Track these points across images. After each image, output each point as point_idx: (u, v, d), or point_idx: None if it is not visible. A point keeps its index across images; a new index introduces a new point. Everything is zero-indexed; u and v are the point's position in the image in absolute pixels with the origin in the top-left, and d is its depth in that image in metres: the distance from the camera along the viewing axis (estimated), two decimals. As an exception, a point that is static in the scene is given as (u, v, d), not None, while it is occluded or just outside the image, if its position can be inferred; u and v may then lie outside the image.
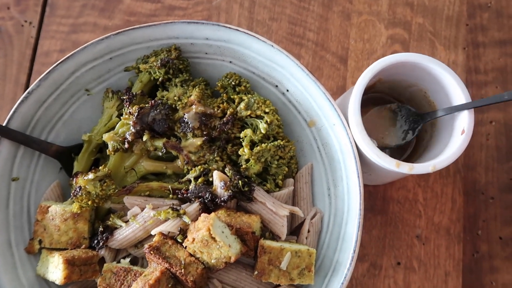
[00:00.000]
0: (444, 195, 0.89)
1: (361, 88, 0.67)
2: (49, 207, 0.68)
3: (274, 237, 0.70)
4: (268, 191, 0.72)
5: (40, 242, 0.68)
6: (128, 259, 0.68)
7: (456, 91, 0.69)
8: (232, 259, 0.62)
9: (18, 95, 0.90)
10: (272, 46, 0.72)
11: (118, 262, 0.68)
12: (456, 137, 0.68)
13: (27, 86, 0.91)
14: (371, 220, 0.88)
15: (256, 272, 0.65)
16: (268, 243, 0.66)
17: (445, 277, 0.86)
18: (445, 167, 0.66)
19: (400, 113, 0.78)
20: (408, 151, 0.84)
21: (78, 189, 0.66)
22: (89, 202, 0.65)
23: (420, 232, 0.88)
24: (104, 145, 0.77)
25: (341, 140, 0.71)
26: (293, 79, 0.74)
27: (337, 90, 0.93)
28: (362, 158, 0.70)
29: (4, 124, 0.67)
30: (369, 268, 0.86)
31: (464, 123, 0.67)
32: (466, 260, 0.86)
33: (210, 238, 0.61)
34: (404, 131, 0.77)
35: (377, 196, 0.89)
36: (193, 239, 0.62)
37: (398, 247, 0.87)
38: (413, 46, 0.95)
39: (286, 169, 0.73)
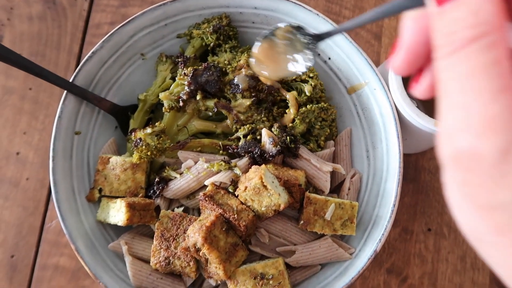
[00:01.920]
0: (474, 166, 0.93)
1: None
2: (110, 158, 0.73)
3: (318, 192, 0.75)
4: (311, 151, 0.76)
5: (100, 190, 0.74)
6: (180, 209, 0.73)
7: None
8: (282, 207, 0.66)
9: (71, 64, 0.96)
10: (318, 15, 0.76)
11: (172, 211, 0.73)
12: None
13: (79, 56, 0.97)
14: (403, 188, 0.92)
15: (302, 222, 0.70)
16: (313, 195, 0.70)
17: (474, 244, 0.89)
18: None
19: (294, 37, 0.57)
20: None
21: (138, 141, 0.71)
22: (148, 153, 0.71)
23: (450, 201, 0.91)
24: (156, 107, 0.82)
25: (382, 103, 0.75)
26: (336, 47, 0.78)
27: (372, 65, 0.97)
28: (400, 122, 0.74)
29: (70, 81, 0.73)
30: (401, 233, 0.90)
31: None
32: (495, 228, 0.89)
33: (262, 186, 0.66)
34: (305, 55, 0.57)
35: (410, 165, 0.93)
36: (245, 188, 0.67)
37: (429, 214, 0.91)
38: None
39: (328, 130, 0.78)
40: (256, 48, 0.54)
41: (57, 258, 0.87)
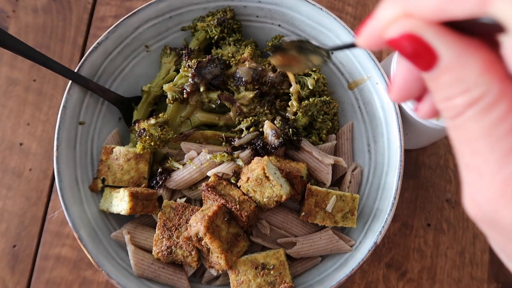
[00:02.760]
0: (474, 163, 0.94)
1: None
2: (113, 148, 0.74)
3: (319, 184, 0.75)
4: (313, 144, 0.77)
5: (103, 180, 0.74)
6: (183, 200, 0.73)
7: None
8: (283, 198, 0.67)
9: (76, 56, 0.97)
10: (321, 9, 0.77)
11: (175, 201, 0.74)
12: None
13: (83, 48, 0.97)
14: (404, 183, 0.93)
15: (303, 213, 0.70)
16: (315, 187, 0.71)
17: (473, 240, 0.90)
18: None
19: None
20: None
21: (142, 131, 0.72)
22: (152, 143, 0.71)
23: (450, 196, 0.92)
24: (159, 99, 0.83)
25: (383, 97, 0.76)
26: (339, 41, 0.79)
27: (373, 61, 0.98)
28: (401, 116, 0.75)
29: (75, 71, 0.74)
30: (401, 228, 0.91)
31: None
32: (494, 224, 0.90)
33: (264, 177, 0.66)
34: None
35: (410, 161, 0.94)
36: (248, 179, 0.67)
37: (428, 210, 0.92)
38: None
39: (330, 124, 0.78)
40: (272, 59, 0.56)
41: (59, 248, 0.88)
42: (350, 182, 0.76)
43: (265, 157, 0.69)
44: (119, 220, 0.75)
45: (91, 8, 0.99)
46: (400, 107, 0.74)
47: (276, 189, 0.67)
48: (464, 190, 0.30)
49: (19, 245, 0.88)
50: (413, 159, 0.94)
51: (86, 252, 0.68)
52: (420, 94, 0.35)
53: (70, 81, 0.73)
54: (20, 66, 0.96)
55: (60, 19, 0.98)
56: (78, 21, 0.99)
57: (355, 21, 1.00)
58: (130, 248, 0.70)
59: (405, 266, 0.89)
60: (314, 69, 0.77)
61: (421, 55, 0.28)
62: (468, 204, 0.29)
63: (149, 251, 0.71)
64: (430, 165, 0.94)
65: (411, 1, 0.28)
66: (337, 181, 0.79)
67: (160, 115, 0.74)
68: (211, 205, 0.68)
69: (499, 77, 0.27)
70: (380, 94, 0.76)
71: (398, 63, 0.33)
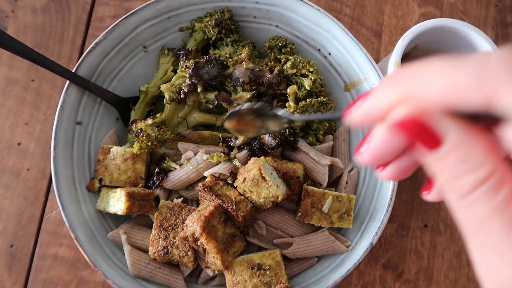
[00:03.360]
0: (471, 164, 0.94)
1: (402, 48, 0.72)
2: (110, 148, 0.74)
3: (315, 184, 0.75)
4: (310, 144, 0.77)
5: (101, 180, 0.74)
6: (180, 200, 0.74)
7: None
8: (280, 199, 0.67)
9: (74, 56, 0.97)
10: (319, 10, 0.77)
11: (172, 201, 0.74)
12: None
13: (82, 48, 0.98)
14: (401, 184, 0.93)
15: (299, 214, 0.70)
16: (311, 187, 0.71)
17: (470, 241, 0.90)
18: None
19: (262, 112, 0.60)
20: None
21: (139, 131, 0.72)
22: (149, 144, 0.71)
23: (447, 198, 0.92)
24: (157, 99, 0.83)
25: (380, 98, 0.76)
26: (336, 42, 0.79)
27: (371, 62, 0.98)
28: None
29: (73, 71, 0.74)
30: (398, 228, 0.91)
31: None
32: (491, 226, 0.90)
33: (260, 177, 0.66)
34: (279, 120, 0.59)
35: (407, 162, 0.94)
36: (244, 179, 0.67)
37: (425, 211, 0.92)
38: (445, 23, 1.00)
39: (327, 125, 0.78)
40: (226, 123, 0.57)
41: (56, 248, 0.88)
42: (346, 183, 0.76)
43: (262, 157, 0.69)
44: (116, 220, 0.75)
45: (89, 9, 1.00)
46: (397, 108, 0.74)
47: (272, 189, 0.67)
48: (480, 270, 0.29)
49: (16, 245, 0.88)
50: (410, 160, 0.94)
51: (82, 252, 0.68)
52: (388, 162, 0.35)
53: (68, 81, 0.74)
54: (18, 66, 0.96)
55: (59, 19, 0.99)
56: (76, 21, 0.99)
57: (353, 22, 1.00)
58: (126, 248, 0.70)
59: (402, 267, 0.89)
60: (311, 69, 0.78)
61: (426, 137, 0.29)
62: (489, 284, 0.29)
63: (146, 251, 0.71)
64: (427, 166, 0.94)
65: (416, 88, 0.28)
66: (334, 182, 0.79)
67: (157, 115, 0.74)
68: (207, 205, 0.68)
69: (500, 157, 0.28)
70: (377, 95, 0.76)
71: (376, 137, 0.32)
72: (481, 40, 0.74)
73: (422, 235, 0.91)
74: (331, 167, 0.78)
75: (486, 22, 1.01)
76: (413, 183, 0.93)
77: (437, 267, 0.89)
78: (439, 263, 0.89)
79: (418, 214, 0.92)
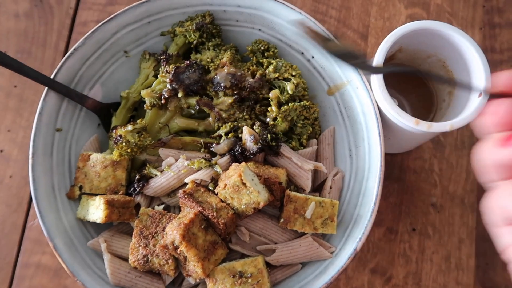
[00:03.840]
0: (459, 166, 0.93)
1: (385, 50, 0.71)
2: (90, 155, 0.73)
3: (299, 190, 0.74)
4: (293, 149, 0.76)
5: (81, 188, 0.73)
6: (161, 207, 0.72)
7: (474, 58, 0.73)
8: (261, 205, 0.66)
9: (57, 61, 0.96)
10: (301, 13, 0.76)
11: (153, 209, 0.73)
12: (473, 100, 0.72)
13: (65, 53, 0.97)
14: (388, 188, 0.92)
15: (282, 220, 0.69)
16: (294, 193, 0.70)
17: (459, 244, 0.89)
18: (461, 140, 0.69)
19: None
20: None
21: (118, 138, 0.71)
22: (128, 150, 0.70)
23: (435, 201, 0.91)
24: (139, 105, 0.82)
25: (364, 102, 0.75)
26: (319, 46, 0.78)
27: (358, 65, 0.97)
28: (382, 121, 0.74)
29: (51, 77, 0.73)
30: (386, 232, 0.90)
31: (481, 86, 0.71)
32: (480, 229, 0.89)
33: (241, 183, 0.65)
34: None
35: (395, 165, 0.93)
36: (225, 185, 0.66)
37: (413, 214, 0.91)
38: (432, 25, 0.99)
39: (311, 129, 0.77)
40: None
41: (39, 256, 0.87)
42: (331, 188, 0.75)
43: (243, 163, 0.68)
44: (97, 228, 0.74)
45: (73, 13, 0.99)
46: (381, 112, 0.73)
47: (253, 195, 0.66)
48: None
49: (-1, 253, 0.87)
50: (397, 163, 0.93)
51: (61, 261, 0.67)
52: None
53: (46, 88, 0.72)
54: (1, 72, 0.95)
55: (41, 23, 0.98)
56: (60, 26, 0.98)
57: (339, 24, 1.00)
58: (106, 256, 0.69)
59: (390, 272, 0.88)
60: (294, 73, 0.77)
61: None
62: None
63: (127, 259, 0.70)
64: (415, 169, 0.93)
65: None
66: (318, 187, 0.78)
67: (138, 121, 0.73)
68: (188, 212, 0.67)
69: None
70: (361, 98, 0.75)
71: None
72: (464, 42, 0.73)
73: (410, 239, 0.89)
74: (316, 172, 0.77)
75: (474, 23, 1.00)
76: (401, 186, 0.92)
77: (426, 271, 0.88)
78: (428, 267, 0.88)
79: (406, 217, 0.91)
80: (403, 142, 0.84)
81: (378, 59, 0.71)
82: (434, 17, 1.00)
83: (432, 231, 0.90)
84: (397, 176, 0.92)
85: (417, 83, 0.89)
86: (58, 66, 0.73)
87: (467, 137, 0.93)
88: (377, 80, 0.71)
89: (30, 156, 0.70)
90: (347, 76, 0.77)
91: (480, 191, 0.91)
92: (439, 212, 0.90)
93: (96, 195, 0.72)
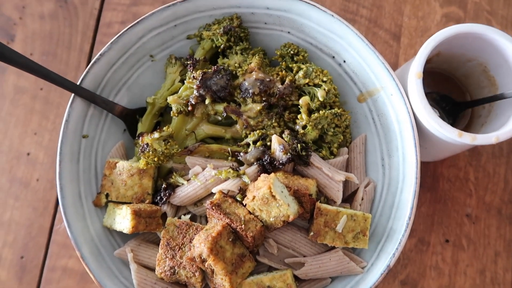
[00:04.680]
0: (497, 175, 0.88)
1: (424, 57, 0.67)
2: (116, 163, 0.72)
3: (329, 202, 0.72)
4: (323, 158, 0.73)
5: (107, 196, 0.72)
6: (188, 216, 0.71)
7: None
8: (291, 218, 0.64)
9: (82, 63, 0.95)
10: (333, 16, 0.73)
11: (179, 218, 0.71)
12: (520, 109, 0.67)
13: (90, 55, 0.96)
14: (420, 197, 0.88)
15: (311, 233, 0.67)
16: (324, 205, 0.67)
17: (495, 257, 0.85)
18: (499, 147, 0.66)
19: (440, 101, 0.78)
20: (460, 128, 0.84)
21: (145, 146, 0.69)
22: (155, 159, 0.69)
23: (470, 211, 0.87)
24: (165, 110, 0.80)
25: (398, 109, 0.71)
26: (351, 50, 0.75)
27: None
28: (418, 129, 0.70)
29: (78, 83, 0.72)
30: (417, 243, 0.86)
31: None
32: (518, 241, 0.85)
33: (270, 196, 0.63)
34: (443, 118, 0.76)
35: (427, 173, 0.89)
36: (253, 197, 0.64)
37: (447, 225, 0.87)
38: (469, 24, 0.94)
39: (342, 137, 0.74)
40: None
41: (65, 260, 0.87)
42: (362, 199, 0.72)
43: (272, 174, 0.65)
44: (123, 236, 0.73)
45: (97, 14, 0.97)
46: (417, 120, 0.70)
47: (283, 208, 0.63)
48: None
49: (26, 256, 0.87)
50: (430, 171, 0.89)
51: (88, 270, 0.66)
52: None
53: (73, 94, 0.71)
54: (27, 75, 0.95)
55: (66, 25, 0.97)
56: (84, 27, 0.97)
57: (370, 24, 0.95)
58: (133, 266, 0.68)
59: (421, 284, 0.84)
60: (325, 79, 0.73)
61: None
62: None
63: (153, 269, 0.69)
64: (449, 177, 0.89)
65: None
66: (349, 197, 0.75)
67: (164, 128, 0.72)
68: (215, 224, 0.66)
69: None
70: (395, 106, 0.72)
71: None
72: (508, 46, 0.68)
73: (443, 251, 0.86)
74: (346, 181, 0.74)
75: (515, 22, 0.94)
76: (434, 195, 0.88)
77: (459, 285, 0.84)
78: (461, 281, 0.84)
79: (439, 228, 0.87)
80: (441, 152, 0.80)
81: (417, 67, 0.67)
82: (472, 16, 0.94)
83: (467, 243, 0.86)
84: (430, 185, 0.88)
85: (451, 86, 0.85)
86: (85, 72, 0.72)
87: (506, 144, 0.89)
88: (416, 87, 0.67)
89: (58, 163, 0.69)
90: (381, 82, 0.73)
91: (518, 201, 0.86)
92: (474, 223, 0.86)
93: (123, 203, 0.71)
